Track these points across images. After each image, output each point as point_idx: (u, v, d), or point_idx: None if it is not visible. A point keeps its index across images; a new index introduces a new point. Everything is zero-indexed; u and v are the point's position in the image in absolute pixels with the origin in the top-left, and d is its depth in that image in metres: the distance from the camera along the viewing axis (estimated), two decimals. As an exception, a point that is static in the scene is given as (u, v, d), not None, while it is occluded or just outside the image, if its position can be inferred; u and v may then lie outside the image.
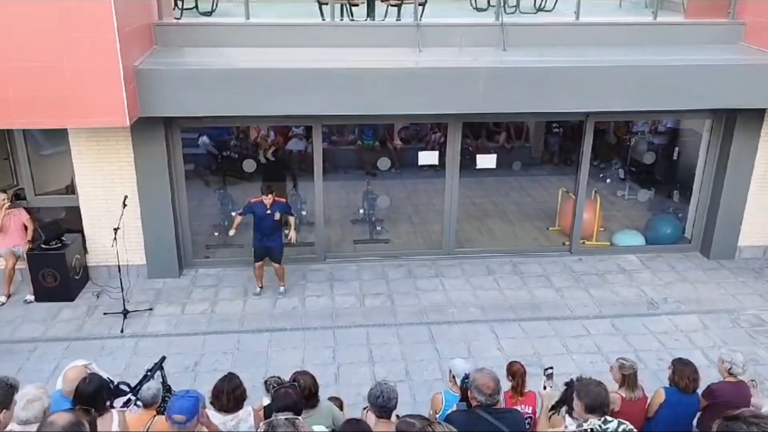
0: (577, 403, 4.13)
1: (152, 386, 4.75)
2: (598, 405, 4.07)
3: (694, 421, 5.44)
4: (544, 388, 4.71)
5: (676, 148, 11.30)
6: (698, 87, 8.72)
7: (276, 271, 9.02)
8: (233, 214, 9.20)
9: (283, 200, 8.89)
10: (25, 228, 8.79)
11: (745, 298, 9.08)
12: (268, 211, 8.54)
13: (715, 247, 10.11)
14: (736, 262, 10.08)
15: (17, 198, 8.96)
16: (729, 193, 9.83)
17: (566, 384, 5.12)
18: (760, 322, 8.50)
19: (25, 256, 8.73)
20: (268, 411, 4.27)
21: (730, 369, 5.31)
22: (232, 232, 8.86)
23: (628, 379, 5.25)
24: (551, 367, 4.91)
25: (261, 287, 9.12)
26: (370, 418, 4.22)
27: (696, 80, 8.69)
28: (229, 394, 4.38)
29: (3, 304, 8.76)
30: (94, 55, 7.28)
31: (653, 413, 5.31)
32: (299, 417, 3.18)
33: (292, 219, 8.84)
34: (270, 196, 8.50)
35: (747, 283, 9.50)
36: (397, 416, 4.69)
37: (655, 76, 8.64)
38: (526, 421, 5.07)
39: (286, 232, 8.84)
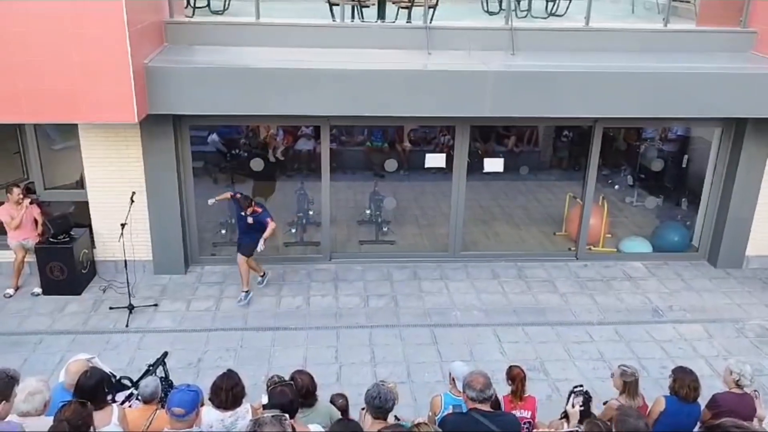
0: None
1: (150, 383, 4.77)
2: None
3: (695, 430, 5.42)
4: (573, 406, 4.54)
5: (686, 156, 11.24)
6: (708, 95, 8.66)
7: (240, 265, 8.86)
8: (210, 201, 8.98)
9: (260, 211, 8.65)
10: (36, 222, 8.88)
11: (751, 308, 9.02)
12: (243, 213, 8.61)
13: (723, 255, 10.06)
14: (744, 272, 10.02)
15: (28, 192, 9.03)
16: (738, 202, 9.76)
17: (571, 392, 5.11)
18: (765, 333, 8.44)
19: (33, 249, 8.82)
20: (265, 409, 4.29)
21: (738, 380, 5.26)
22: (211, 201, 8.93)
23: (630, 386, 5.23)
24: (581, 385, 4.70)
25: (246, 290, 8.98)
26: (368, 419, 4.23)
27: (706, 88, 8.64)
28: (228, 392, 4.41)
29: (11, 296, 8.85)
30: (104, 52, 7.34)
31: (652, 422, 5.28)
32: (286, 415, 3.19)
33: (269, 229, 8.59)
34: (249, 209, 8.53)
35: (753, 293, 9.44)
36: (396, 417, 4.71)
37: (665, 83, 8.60)
38: (525, 426, 5.07)
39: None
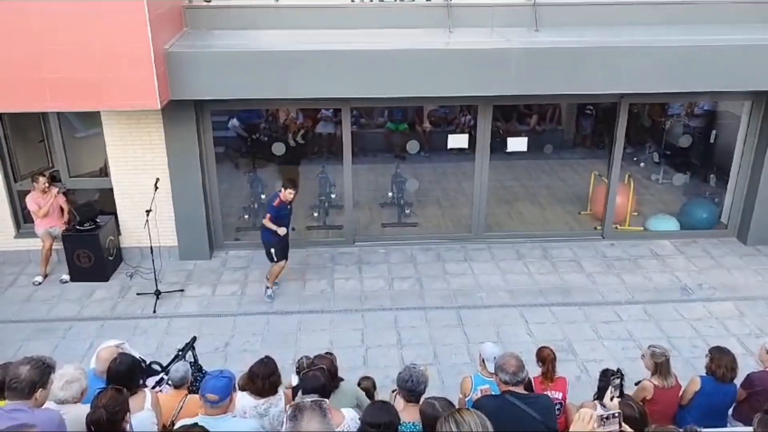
0: None
1: (180, 368, 4.78)
2: None
3: (730, 411, 5.34)
4: (611, 399, 4.23)
5: (713, 131, 11.00)
6: (737, 68, 8.46)
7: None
8: (269, 221, 8.20)
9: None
10: (61, 210, 8.96)
11: (783, 285, 8.86)
12: (289, 206, 8.37)
13: (753, 232, 9.86)
14: (775, 249, 9.84)
15: (53, 180, 9.11)
16: (768, 177, 9.56)
17: (602, 373, 5.04)
18: (798, 310, 8.29)
19: (60, 236, 8.90)
20: (295, 392, 4.29)
21: None
22: (282, 231, 8.26)
23: (661, 366, 5.18)
24: (620, 376, 4.17)
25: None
26: (399, 402, 4.21)
27: (735, 61, 8.43)
28: (265, 379, 4.39)
29: (40, 283, 8.96)
30: (126, 38, 7.34)
31: (687, 401, 5.23)
32: (326, 399, 3.17)
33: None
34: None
35: (785, 269, 9.26)
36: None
37: (692, 56, 8.40)
38: (556, 407, 5.03)
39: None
